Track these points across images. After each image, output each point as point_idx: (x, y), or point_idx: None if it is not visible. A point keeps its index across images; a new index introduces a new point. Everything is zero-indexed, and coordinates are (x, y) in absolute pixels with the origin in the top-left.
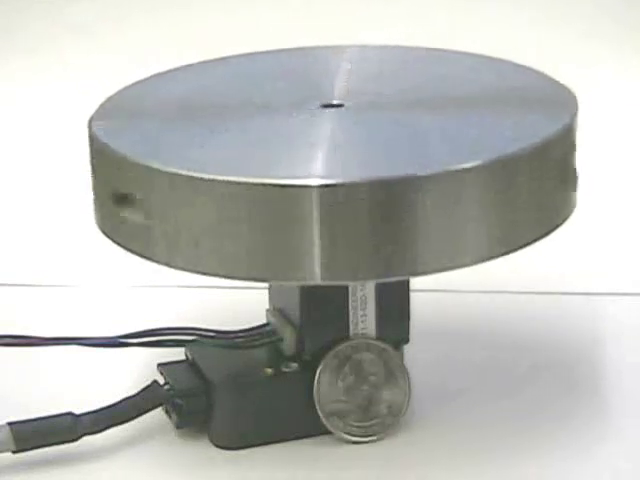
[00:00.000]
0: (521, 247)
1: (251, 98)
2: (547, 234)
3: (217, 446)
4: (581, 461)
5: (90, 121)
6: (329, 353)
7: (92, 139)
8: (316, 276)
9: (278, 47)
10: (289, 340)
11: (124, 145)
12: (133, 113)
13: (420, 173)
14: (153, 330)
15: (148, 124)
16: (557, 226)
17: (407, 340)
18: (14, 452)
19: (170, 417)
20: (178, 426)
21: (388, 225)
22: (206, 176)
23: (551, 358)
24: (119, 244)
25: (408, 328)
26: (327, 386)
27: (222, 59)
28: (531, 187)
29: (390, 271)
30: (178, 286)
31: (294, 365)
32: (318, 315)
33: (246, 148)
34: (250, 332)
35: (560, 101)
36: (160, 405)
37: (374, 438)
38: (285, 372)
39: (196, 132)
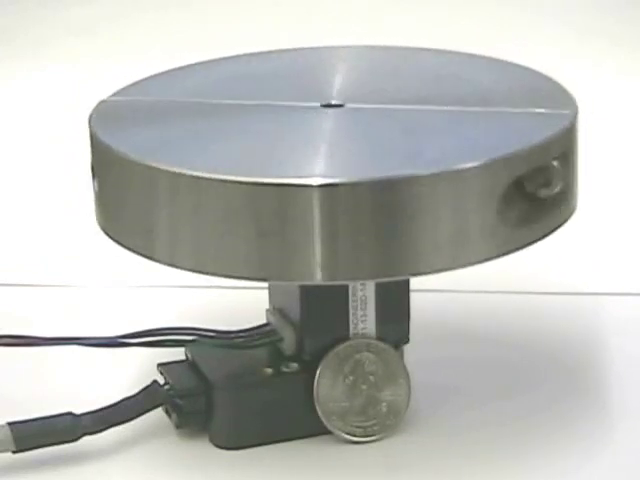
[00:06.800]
0: (521, 247)
1: (251, 98)
2: (548, 234)
3: (217, 446)
4: (582, 461)
5: (90, 120)
6: (329, 353)
7: (93, 138)
8: (316, 276)
9: (278, 47)
10: (289, 340)
11: (125, 144)
12: (133, 112)
13: (420, 173)
14: (153, 330)
15: (148, 124)
16: (558, 226)
17: (407, 340)
18: (14, 452)
19: (170, 417)
20: (178, 426)
21: (388, 225)
22: (206, 175)
23: (551, 358)
24: (120, 243)
25: (408, 328)
26: (327, 386)
27: (222, 59)
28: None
29: (390, 271)
30: (178, 286)
31: (294, 365)
32: (318, 315)
33: (246, 148)
34: (250, 332)
35: (560, 101)
36: (160, 405)
37: (374, 438)
38: (285, 372)
39: (196, 132)
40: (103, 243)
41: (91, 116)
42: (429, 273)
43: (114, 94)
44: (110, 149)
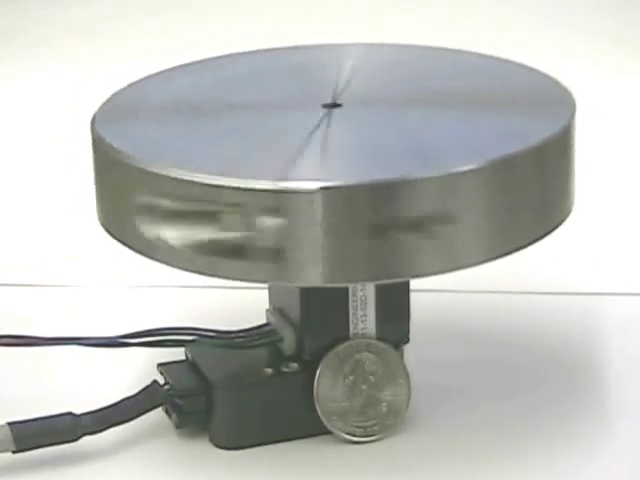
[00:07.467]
0: (521, 247)
1: (251, 97)
2: (547, 234)
3: (217, 446)
4: (582, 461)
5: (93, 121)
6: (329, 353)
7: (95, 139)
8: (316, 278)
9: (278, 46)
10: (289, 340)
11: (125, 144)
12: (135, 113)
13: (420, 174)
14: (153, 330)
15: (148, 124)
16: (557, 226)
17: (407, 340)
18: (14, 452)
19: (170, 417)
20: (178, 426)
21: (388, 226)
22: (206, 177)
23: (551, 358)
24: (122, 242)
25: (408, 328)
26: (327, 386)
27: (222, 58)
28: (531, 187)
29: (390, 273)
30: (178, 286)
31: (294, 365)
32: (318, 315)
33: (246, 149)
34: (250, 332)
35: (559, 101)
36: (160, 405)
37: (374, 438)
38: (285, 372)
39: (195, 132)
40: (103, 243)
41: (93, 116)
42: (429, 275)
43: (115, 94)
44: (110, 149)
